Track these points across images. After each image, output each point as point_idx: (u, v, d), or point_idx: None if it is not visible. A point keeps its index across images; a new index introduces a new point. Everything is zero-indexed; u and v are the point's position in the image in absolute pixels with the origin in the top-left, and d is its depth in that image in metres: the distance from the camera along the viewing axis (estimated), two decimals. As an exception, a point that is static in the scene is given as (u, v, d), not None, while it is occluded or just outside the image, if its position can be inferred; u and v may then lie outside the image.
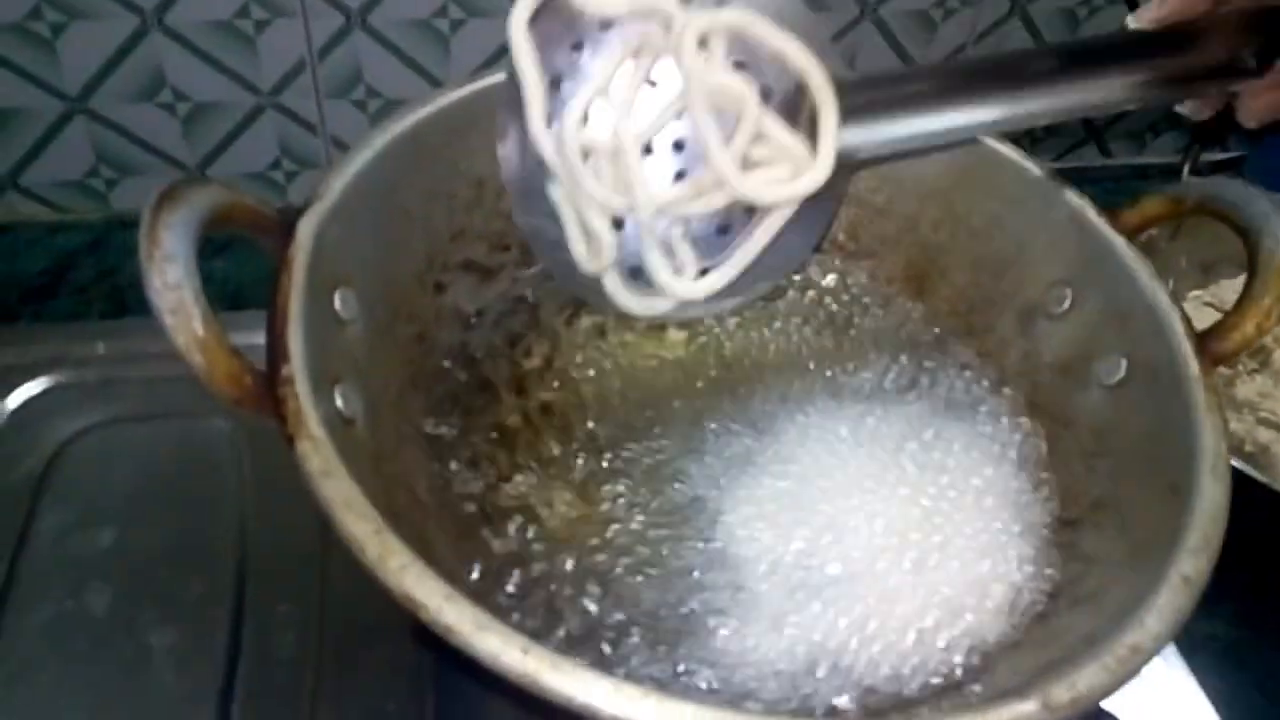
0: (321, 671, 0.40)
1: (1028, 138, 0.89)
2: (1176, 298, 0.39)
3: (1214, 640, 0.56)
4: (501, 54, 0.45)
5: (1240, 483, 0.50)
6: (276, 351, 0.31)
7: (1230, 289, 0.69)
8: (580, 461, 0.41)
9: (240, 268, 0.64)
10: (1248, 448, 0.62)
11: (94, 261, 0.67)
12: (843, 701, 0.35)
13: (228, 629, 0.41)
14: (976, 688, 0.33)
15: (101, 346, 0.49)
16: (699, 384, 0.44)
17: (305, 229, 0.35)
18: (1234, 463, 0.50)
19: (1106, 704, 0.26)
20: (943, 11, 0.77)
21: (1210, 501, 0.32)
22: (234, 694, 0.39)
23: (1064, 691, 0.27)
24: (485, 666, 0.26)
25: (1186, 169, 0.82)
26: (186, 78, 0.66)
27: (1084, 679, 0.27)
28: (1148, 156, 0.94)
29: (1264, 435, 0.62)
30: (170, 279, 0.29)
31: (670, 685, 0.34)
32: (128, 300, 0.63)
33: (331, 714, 0.39)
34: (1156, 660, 0.49)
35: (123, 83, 0.65)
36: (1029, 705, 0.27)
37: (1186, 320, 0.38)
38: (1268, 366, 0.66)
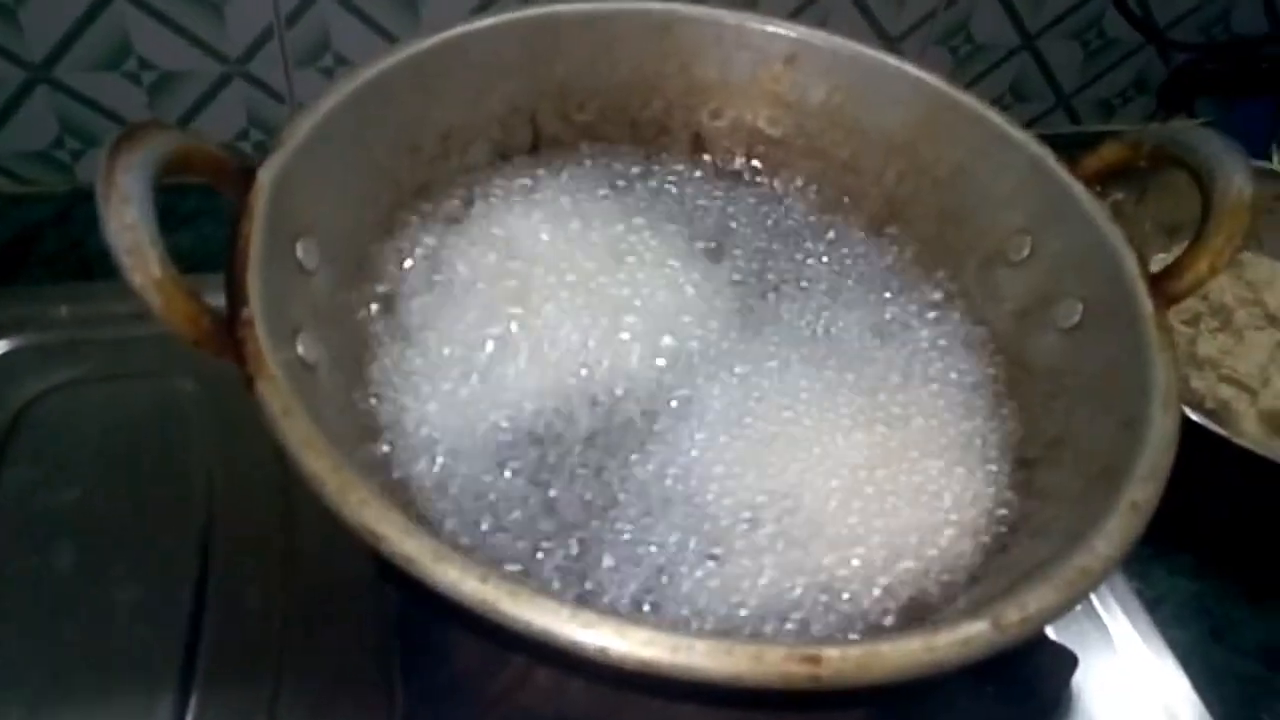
0: (288, 624, 0.40)
1: (997, 104, 0.89)
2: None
3: (1175, 592, 0.57)
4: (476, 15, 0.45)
5: (1202, 438, 0.52)
6: (236, 294, 0.31)
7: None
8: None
9: (206, 241, 0.63)
10: (1209, 404, 0.63)
11: (60, 234, 0.66)
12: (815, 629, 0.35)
13: (193, 584, 0.41)
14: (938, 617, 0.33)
15: (65, 309, 0.49)
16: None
17: (266, 175, 0.35)
18: (1196, 418, 0.52)
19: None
20: (914, -23, 0.77)
21: (1160, 432, 0.33)
22: (199, 648, 0.39)
23: (1014, 612, 0.28)
24: (445, 596, 0.26)
25: (1153, 135, 0.83)
26: (152, 46, 0.66)
27: (1034, 600, 0.28)
28: (1116, 123, 0.95)
29: (1225, 391, 0.63)
30: (127, 219, 0.29)
31: (640, 616, 0.34)
32: (95, 272, 0.63)
33: (298, 666, 0.39)
34: (1121, 617, 0.51)
35: (87, 51, 0.65)
36: (980, 625, 0.27)
37: (1141, 262, 0.39)
38: (1229, 325, 0.67)
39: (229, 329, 0.31)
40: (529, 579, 0.34)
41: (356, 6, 0.68)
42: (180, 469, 0.44)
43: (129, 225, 0.29)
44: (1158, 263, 0.69)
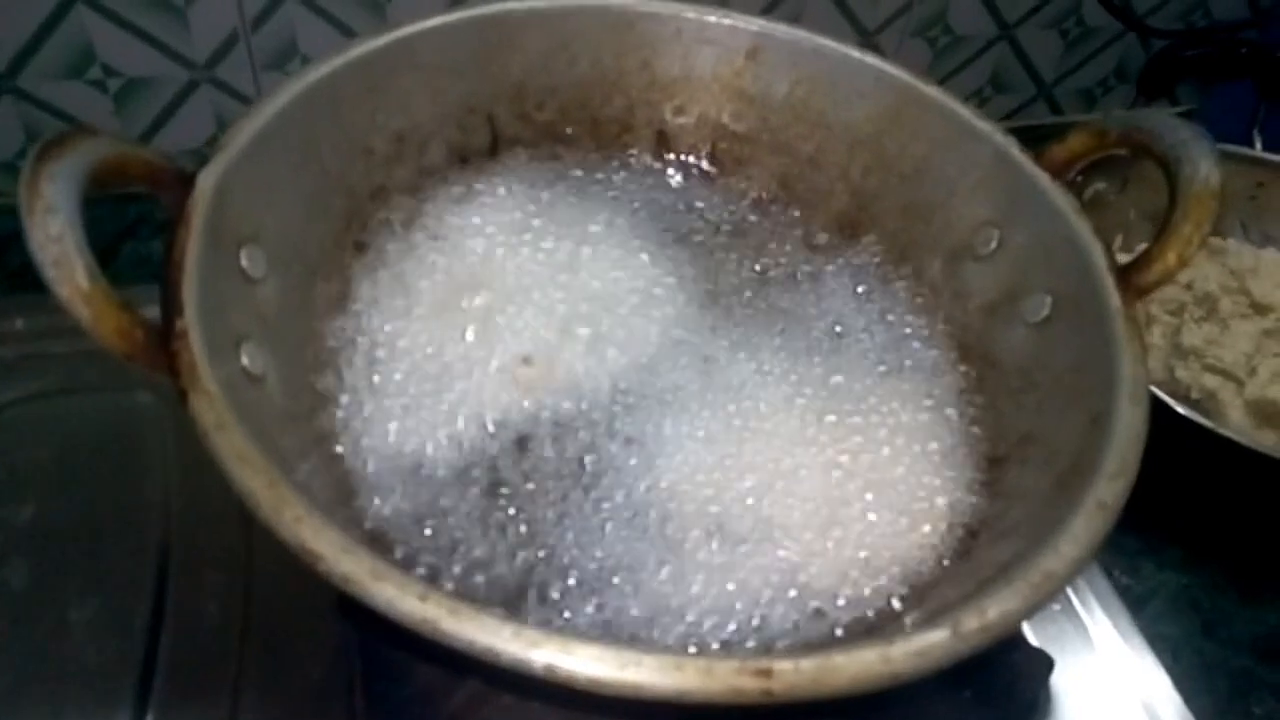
0: (247, 641, 0.39)
1: (977, 97, 0.89)
2: (1100, 235, 0.39)
3: (1164, 587, 0.56)
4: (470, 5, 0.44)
5: (1187, 429, 0.51)
6: (170, 305, 0.30)
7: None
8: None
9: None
10: (1194, 394, 0.62)
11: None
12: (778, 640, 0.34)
13: (150, 601, 0.40)
14: (901, 625, 0.33)
15: (20, 322, 0.48)
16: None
17: (205, 181, 0.34)
18: (1181, 410, 0.51)
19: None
20: (888, -31, 0.77)
21: (1128, 427, 0.32)
22: (156, 665, 0.38)
23: (973, 619, 0.27)
24: (383, 615, 0.25)
25: (1133, 123, 0.82)
26: (116, 52, 0.65)
27: (994, 606, 0.27)
28: (1098, 113, 0.94)
29: (1210, 381, 0.62)
30: (53, 231, 0.28)
31: (589, 633, 0.33)
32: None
33: (256, 682, 0.38)
34: (1101, 615, 0.51)
35: (50, 59, 0.64)
36: (938, 634, 0.26)
37: (1109, 254, 0.38)
38: (1215, 314, 0.67)
39: (163, 341, 0.30)
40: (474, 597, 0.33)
41: (322, 8, 0.67)
42: (138, 483, 0.43)
43: (54, 237, 0.28)
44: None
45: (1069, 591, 0.51)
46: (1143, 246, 0.69)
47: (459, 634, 0.25)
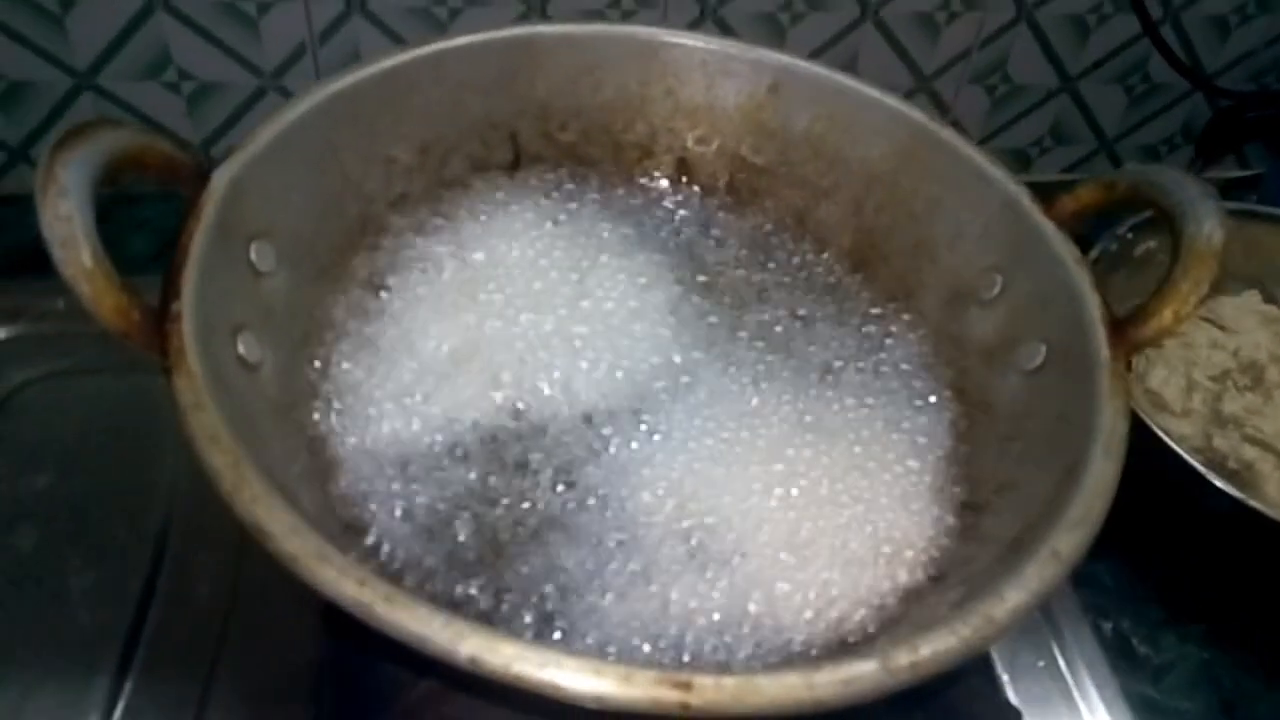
0: (230, 622, 0.41)
1: (1037, 147, 0.87)
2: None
3: (1183, 661, 0.55)
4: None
5: (1219, 500, 0.49)
6: (169, 289, 0.32)
7: (1229, 305, 0.67)
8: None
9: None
10: (1231, 464, 0.60)
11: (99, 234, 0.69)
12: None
13: (144, 576, 0.41)
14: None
15: (62, 302, 0.51)
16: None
17: (221, 177, 0.36)
18: (1216, 481, 0.50)
19: None
20: (947, 14, 0.76)
21: (1097, 479, 0.31)
22: (141, 637, 0.40)
23: (904, 655, 0.27)
24: (324, 596, 0.26)
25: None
26: (191, 57, 0.68)
27: (927, 644, 0.27)
28: (1161, 170, 0.91)
29: (1249, 453, 0.60)
30: (62, 211, 0.30)
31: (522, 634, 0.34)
32: (129, 272, 0.65)
33: (233, 665, 0.39)
34: (1088, 680, 0.49)
35: (129, 60, 0.67)
36: (866, 665, 0.26)
37: (1104, 307, 0.37)
38: (1260, 383, 0.64)
39: (159, 323, 0.31)
40: (415, 590, 0.34)
41: (386, 25, 0.69)
42: (147, 465, 0.45)
43: (63, 217, 0.30)
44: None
45: (1055, 650, 0.50)
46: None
47: (391, 620, 0.26)
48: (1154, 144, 0.90)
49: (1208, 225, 0.36)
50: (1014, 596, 0.28)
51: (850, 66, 0.77)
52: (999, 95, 0.82)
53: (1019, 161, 0.87)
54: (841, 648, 0.34)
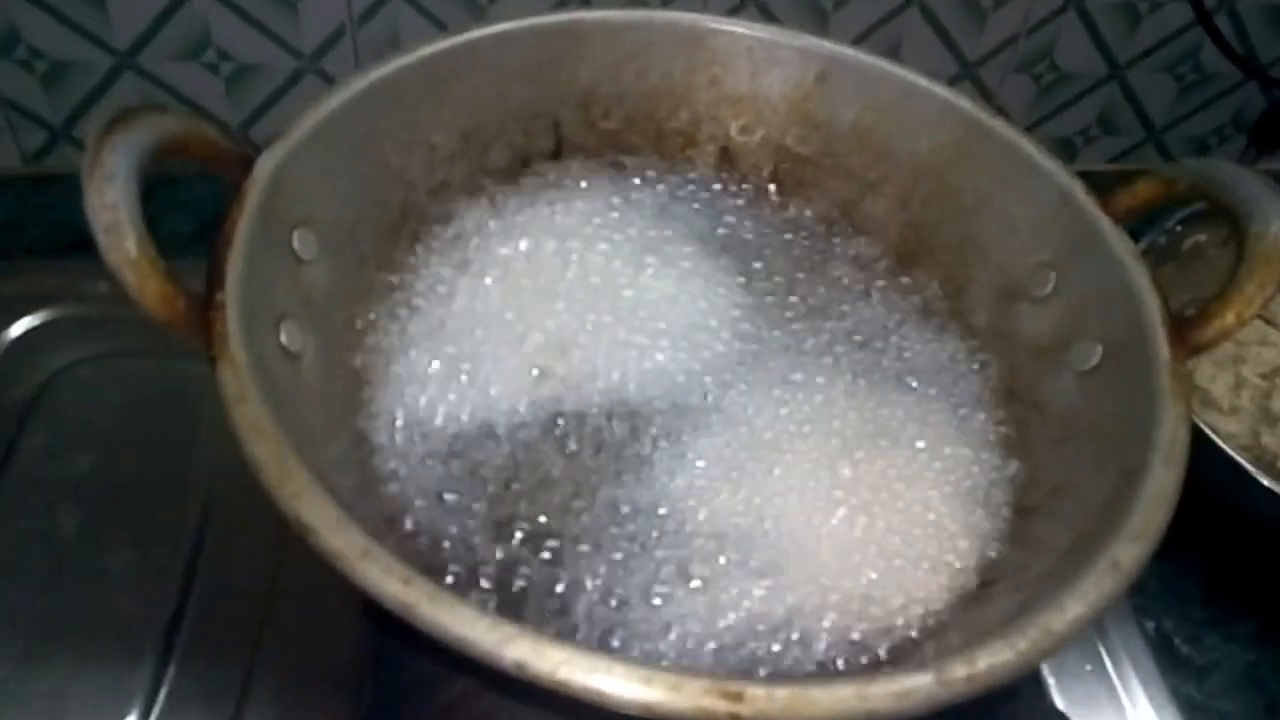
0: (271, 607, 0.41)
1: (1083, 136, 0.86)
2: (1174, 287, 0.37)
3: (1227, 662, 0.54)
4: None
5: (1266, 500, 0.48)
6: (213, 277, 0.32)
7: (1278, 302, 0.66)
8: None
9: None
10: (1280, 463, 0.59)
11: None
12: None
13: (186, 558, 0.42)
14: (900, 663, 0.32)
15: (104, 285, 0.51)
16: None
17: (264, 165, 0.35)
18: (1265, 481, 0.49)
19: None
20: (994, 0, 0.75)
21: (1157, 488, 0.31)
22: (183, 620, 0.40)
23: (961, 668, 0.26)
24: (367, 593, 0.26)
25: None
26: (230, 38, 0.68)
27: (984, 656, 0.26)
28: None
29: (1301, 453, 0.59)
30: (108, 198, 0.29)
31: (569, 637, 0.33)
32: (167, 254, 0.65)
33: (276, 648, 0.39)
34: (1137, 686, 0.48)
35: (170, 41, 0.67)
36: (922, 678, 0.26)
37: (1165, 306, 0.36)
38: (1317, 380, 0.63)
39: (203, 312, 0.31)
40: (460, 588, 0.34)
41: (425, 8, 0.69)
42: (189, 446, 0.45)
43: (109, 204, 0.29)
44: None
45: (1103, 654, 0.49)
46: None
47: (435, 621, 0.26)
48: (1204, 134, 0.88)
49: (1275, 225, 0.34)
50: (1073, 608, 0.28)
51: (894, 52, 0.76)
52: (1045, 83, 0.81)
53: (1065, 151, 0.85)
54: (890, 655, 0.33)
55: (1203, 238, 0.66)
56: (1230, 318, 0.35)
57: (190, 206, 0.66)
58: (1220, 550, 0.57)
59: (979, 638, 0.28)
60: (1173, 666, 0.52)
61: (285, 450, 0.28)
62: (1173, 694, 0.49)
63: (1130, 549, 0.29)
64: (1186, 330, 0.36)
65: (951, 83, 0.77)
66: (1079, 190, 0.41)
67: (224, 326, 0.30)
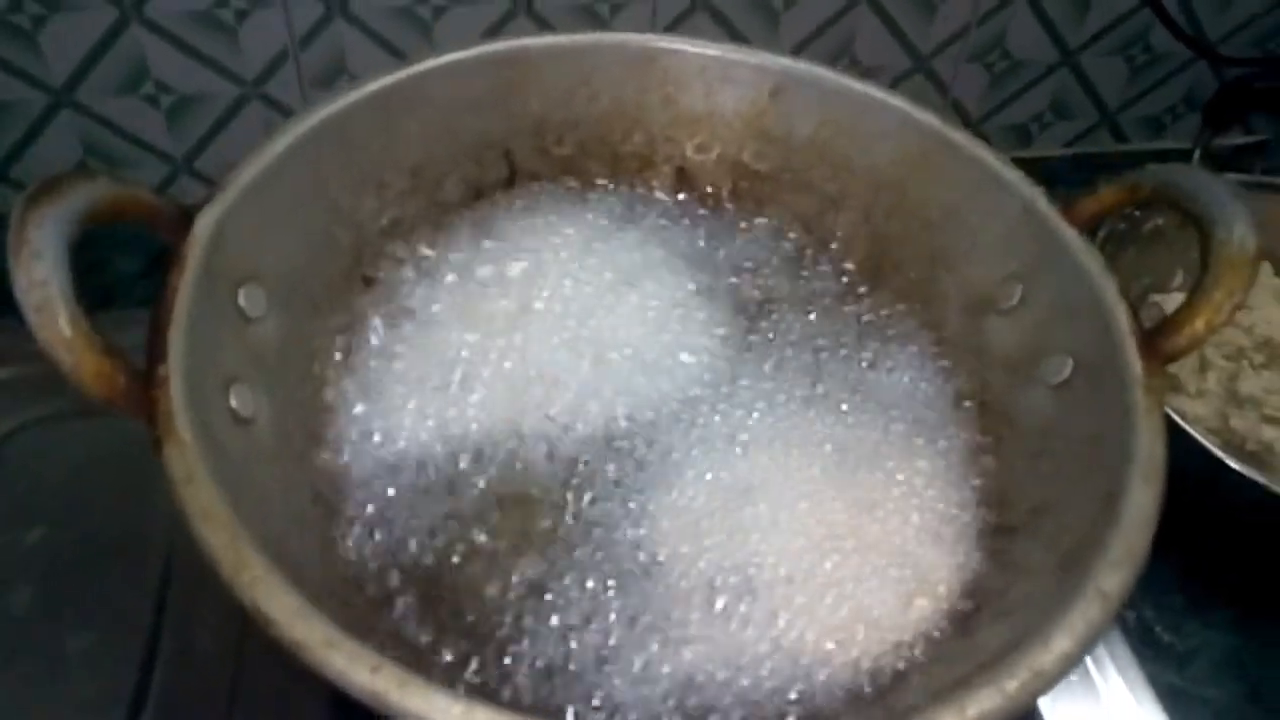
0: (240, 676, 0.39)
1: (1037, 122, 0.86)
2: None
3: (1209, 648, 0.54)
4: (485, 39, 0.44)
5: (1238, 484, 0.48)
6: (154, 350, 0.30)
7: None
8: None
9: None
10: (1250, 446, 0.59)
11: (80, 258, 0.67)
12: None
13: (146, 631, 0.40)
14: (886, 703, 0.31)
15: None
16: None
17: (204, 222, 0.34)
18: (1235, 465, 0.48)
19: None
20: (943, -8, 0.75)
21: (1138, 509, 0.30)
22: (147, 698, 0.38)
23: (950, 715, 0.25)
24: (335, 686, 0.25)
25: (1197, 154, 0.79)
26: (169, 69, 0.66)
27: (974, 704, 0.26)
28: (1166, 141, 0.90)
29: (1268, 433, 0.59)
30: (37, 275, 0.28)
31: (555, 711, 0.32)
32: (117, 294, 0.63)
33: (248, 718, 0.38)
34: (1113, 673, 0.48)
35: (106, 75, 0.65)
36: (911, 732, 0.25)
37: (1133, 317, 0.36)
38: (1276, 361, 0.63)
39: (145, 387, 0.30)
40: (428, 668, 0.33)
41: (370, 27, 0.67)
42: (144, 510, 0.43)
43: (38, 281, 0.28)
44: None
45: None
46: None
47: (406, 709, 0.24)
48: (1157, 114, 0.88)
49: (1239, 230, 0.34)
50: (1061, 644, 0.27)
51: (846, 49, 0.76)
52: (998, 72, 0.81)
53: (1020, 138, 0.85)
54: (874, 690, 0.33)
55: (1161, 221, 0.66)
56: (1200, 326, 0.34)
57: (137, 243, 0.64)
58: (1194, 536, 0.57)
59: (968, 675, 0.28)
60: (1154, 655, 0.51)
61: (240, 534, 0.27)
62: (1152, 682, 0.49)
63: (1115, 575, 0.29)
64: (1157, 340, 0.35)
65: (905, 76, 0.78)
66: (1042, 201, 0.40)
67: (168, 403, 0.29)
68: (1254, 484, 0.48)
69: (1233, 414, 0.60)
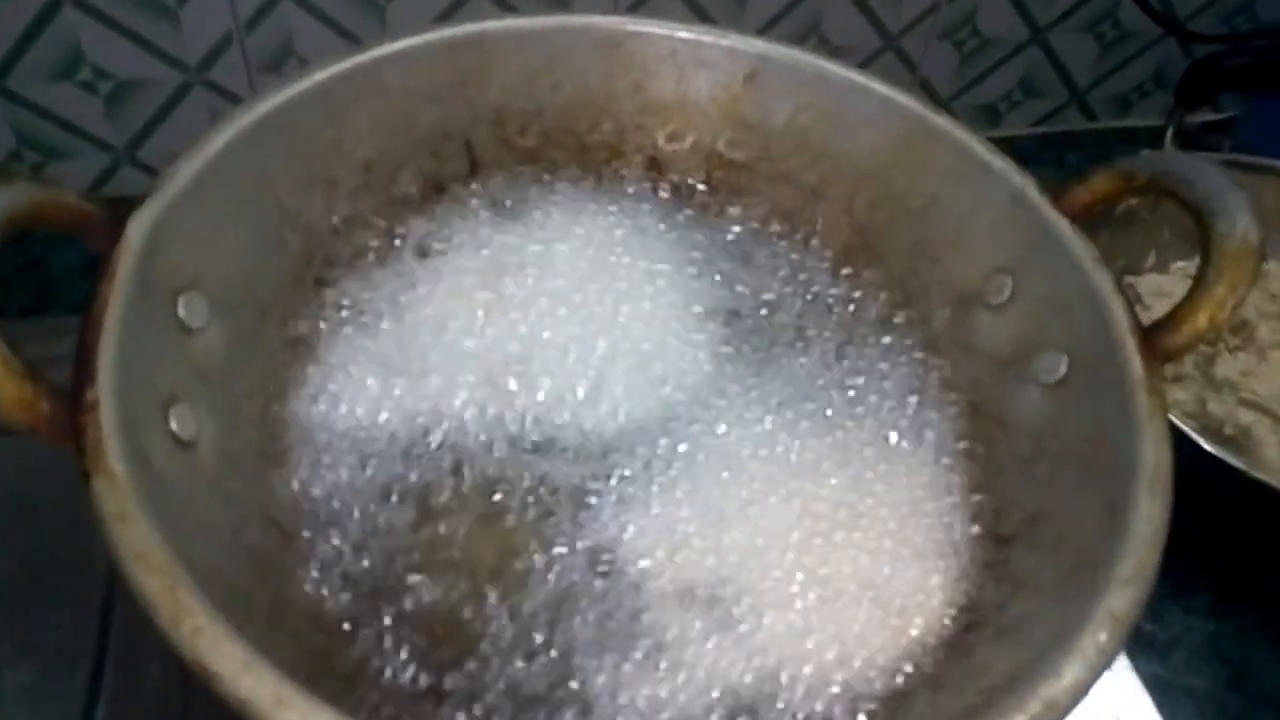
0: (190, 712, 0.37)
1: (1007, 101, 0.85)
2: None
3: (1190, 635, 0.53)
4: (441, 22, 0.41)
5: (1216, 468, 0.47)
6: (81, 372, 0.28)
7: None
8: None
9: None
10: (1228, 430, 0.58)
11: (17, 252, 0.63)
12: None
13: (90, 663, 0.37)
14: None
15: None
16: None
17: (137, 227, 0.31)
18: (1211, 449, 0.47)
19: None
20: (911, -30, 0.73)
21: (1146, 522, 0.28)
22: (92, 735, 0.35)
23: (961, 758, 0.23)
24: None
25: (1170, 133, 0.78)
26: (106, 54, 0.63)
27: (985, 741, 0.24)
28: (1134, 119, 0.90)
29: (1245, 416, 0.58)
30: (-56, 295, 0.25)
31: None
32: (56, 293, 0.60)
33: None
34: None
35: (39, 61, 0.62)
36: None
37: (1131, 313, 0.34)
38: (1252, 343, 0.63)
39: (72, 413, 0.27)
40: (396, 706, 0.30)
41: (318, 8, 0.64)
42: (84, 534, 0.41)
43: (-54, 302, 0.25)
44: (1177, 273, 0.65)
45: None
46: (1178, 265, 0.66)
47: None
48: (1126, 92, 0.88)
49: (1241, 222, 0.32)
50: (1072, 674, 0.25)
51: (815, 28, 0.74)
52: (968, 50, 0.80)
53: (989, 117, 0.85)
54: (880, 715, 0.31)
55: (1134, 201, 0.65)
56: (1203, 321, 0.33)
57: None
58: (1174, 523, 0.56)
59: (975, 705, 0.26)
60: (1137, 646, 0.50)
61: (179, 578, 0.24)
62: (1137, 673, 0.48)
63: (1125, 595, 0.27)
64: (1155, 337, 0.34)
65: (875, 55, 0.76)
66: (1032, 190, 0.38)
67: (97, 431, 0.26)
68: (1232, 468, 0.48)
69: (1210, 398, 0.59)
